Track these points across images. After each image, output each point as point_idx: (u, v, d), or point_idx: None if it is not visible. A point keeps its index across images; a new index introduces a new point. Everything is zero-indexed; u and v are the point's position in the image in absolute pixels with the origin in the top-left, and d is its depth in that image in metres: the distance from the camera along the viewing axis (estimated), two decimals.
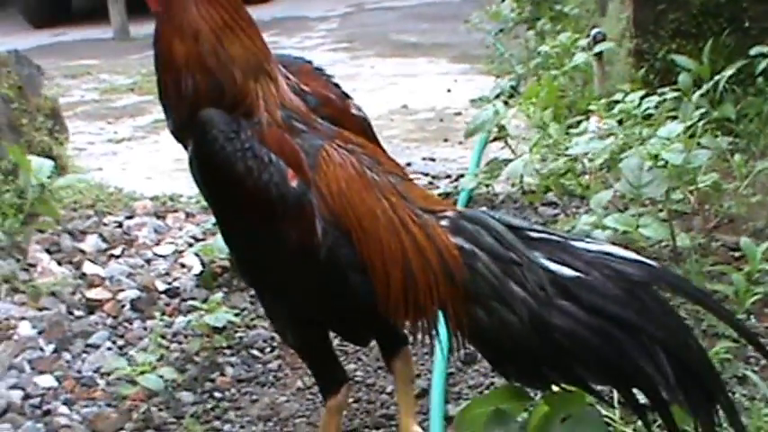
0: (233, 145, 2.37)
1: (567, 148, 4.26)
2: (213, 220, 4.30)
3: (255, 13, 7.46)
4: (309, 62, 2.78)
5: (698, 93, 4.55)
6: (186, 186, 5.10)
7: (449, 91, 6.91)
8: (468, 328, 2.36)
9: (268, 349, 3.55)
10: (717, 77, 4.67)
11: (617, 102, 4.58)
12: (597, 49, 5.36)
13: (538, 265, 2.26)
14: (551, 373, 2.30)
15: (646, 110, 4.39)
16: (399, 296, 2.41)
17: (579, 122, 4.82)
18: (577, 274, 2.24)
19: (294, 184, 2.38)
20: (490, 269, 2.31)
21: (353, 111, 2.68)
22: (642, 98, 4.41)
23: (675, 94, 4.55)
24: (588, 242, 2.35)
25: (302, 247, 2.39)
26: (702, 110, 4.36)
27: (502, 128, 4.37)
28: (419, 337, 2.51)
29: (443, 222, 2.41)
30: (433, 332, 2.50)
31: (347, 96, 2.71)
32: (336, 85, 2.72)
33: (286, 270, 2.46)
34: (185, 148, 2.54)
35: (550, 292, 2.24)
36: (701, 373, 2.21)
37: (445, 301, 2.38)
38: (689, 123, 4.02)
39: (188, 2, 2.46)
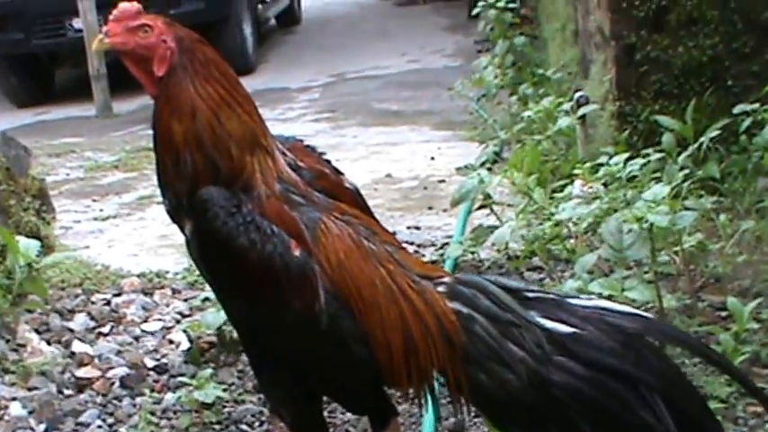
0: (235, 220, 2.41)
1: (552, 214, 4.27)
2: (201, 296, 4.32)
3: None
4: (301, 140, 2.81)
5: (683, 154, 4.58)
6: (172, 263, 5.11)
7: (432, 159, 6.94)
8: (468, 390, 2.40)
9: (257, 424, 3.53)
10: (701, 137, 4.70)
11: (601, 165, 4.58)
12: (581, 112, 5.38)
13: (535, 324, 2.34)
14: (555, 430, 2.32)
15: (630, 172, 4.40)
16: (401, 362, 2.45)
17: (564, 187, 4.83)
18: (573, 329, 2.31)
19: (297, 253, 2.42)
20: (488, 331, 2.37)
21: (347, 184, 2.74)
22: (626, 160, 4.41)
23: (659, 155, 4.56)
24: (583, 299, 2.42)
25: (305, 315, 2.42)
26: (687, 170, 4.37)
27: (487, 195, 4.38)
28: (417, 402, 2.55)
29: (440, 288, 2.48)
30: (426, 398, 2.53)
31: (339, 172, 2.75)
32: (328, 161, 2.77)
33: (289, 339, 2.48)
34: (181, 229, 2.55)
35: (548, 349, 2.30)
36: (702, 421, 2.24)
37: (444, 365, 2.42)
38: (674, 185, 4.03)
39: (185, 81, 2.50)
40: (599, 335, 2.28)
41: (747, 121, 4.49)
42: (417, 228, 5.45)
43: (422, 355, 2.43)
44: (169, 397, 3.73)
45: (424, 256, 4.87)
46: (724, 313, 3.73)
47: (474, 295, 2.42)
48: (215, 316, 3.90)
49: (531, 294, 2.41)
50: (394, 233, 5.09)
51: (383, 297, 2.45)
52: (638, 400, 2.22)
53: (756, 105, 4.37)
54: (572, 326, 2.31)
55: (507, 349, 2.33)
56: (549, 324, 2.33)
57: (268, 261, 2.40)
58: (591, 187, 4.53)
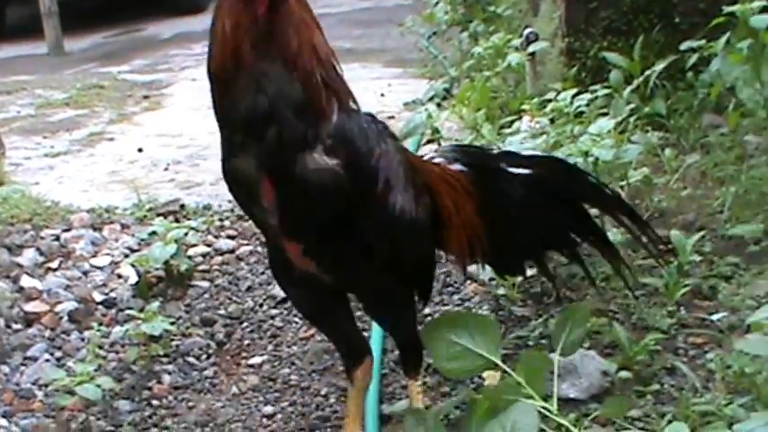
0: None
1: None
2: (148, 230, 4.31)
3: (188, 24, 7.49)
4: None
5: (629, 89, 4.61)
6: (122, 198, 5.11)
7: (382, 95, 6.94)
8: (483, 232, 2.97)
9: (204, 357, 3.56)
10: (647, 73, 4.73)
11: (549, 101, 4.62)
12: (530, 49, 5.40)
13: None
14: (527, 258, 3.18)
15: (577, 108, 4.43)
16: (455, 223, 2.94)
17: (512, 122, 4.86)
18: (529, 171, 3.02)
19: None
20: (488, 179, 2.99)
21: None
22: (574, 96, 4.45)
23: (607, 91, 4.60)
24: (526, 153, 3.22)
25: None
26: (633, 106, 4.41)
27: (435, 130, 4.40)
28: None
29: (438, 159, 3.02)
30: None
31: None
32: None
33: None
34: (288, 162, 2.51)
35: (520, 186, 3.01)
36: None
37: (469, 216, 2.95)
38: (619, 119, 4.06)
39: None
40: (540, 172, 3.03)
41: (693, 58, 4.52)
42: None
43: (461, 211, 2.92)
44: (117, 330, 3.74)
45: None
46: (668, 246, 3.77)
47: (462, 154, 3.05)
48: (162, 250, 3.91)
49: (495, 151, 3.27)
50: None
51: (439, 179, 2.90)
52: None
53: (702, 42, 4.39)
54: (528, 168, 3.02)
55: (503, 188, 3.00)
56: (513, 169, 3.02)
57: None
58: (538, 123, 4.56)
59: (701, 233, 3.74)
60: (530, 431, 2.49)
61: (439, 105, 5.41)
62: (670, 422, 2.73)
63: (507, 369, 2.63)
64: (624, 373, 3.07)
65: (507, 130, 4.77)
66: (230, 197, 4.87)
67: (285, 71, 2.42)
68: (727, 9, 3.85)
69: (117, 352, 3.62)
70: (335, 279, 2.68)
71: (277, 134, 2.41)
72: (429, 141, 4.68)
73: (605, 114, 4.38)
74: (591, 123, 4.10)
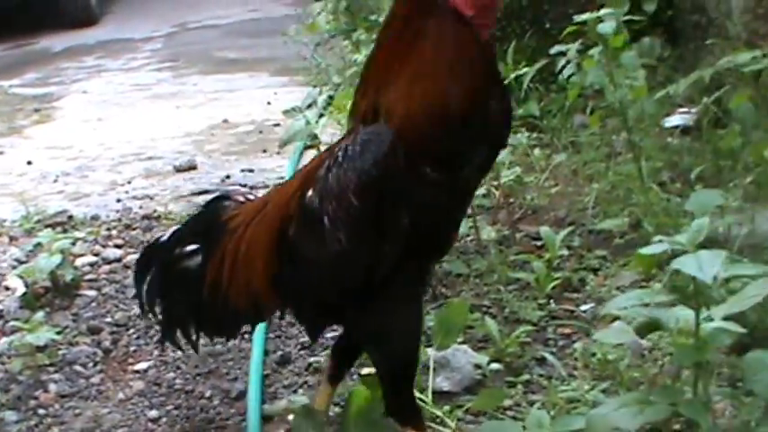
0: None
1: None
2: (33, 241, 4.34)
3: (80, 37, 7.52)
4: None
5: None
6: (10, 211, 5.12)
7: (268, 103, 7.02)
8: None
9: (90, 364, 3.60)
10: (521, 76, 4.88)
11: None
12: None
13: None
14: None
15: None
16: None
17: None
18: None
19: None
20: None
21: None
22: None
23: None
24: None
25: None
26: None
27: (314, 136, 4.48)
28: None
29: None
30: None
31: None
32: None
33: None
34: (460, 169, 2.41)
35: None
36: None
37: None
38: None
39: None
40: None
41: (563, 62, 4.68)
42: (251, 170, 5.54)
43: None
44: (3, 342, 3.76)
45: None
46: (539, 242, 3.92)
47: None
48: (47, 261, 3.95)
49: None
50: (228, 176, 5.35)
51: None
52: None
53: (571, 47, 4.54)
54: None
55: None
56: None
57: None
58: None
59: (570, 228, 3.90)
60: None
61: (322, 115, 5.48)
62: (538, 409, 2.88)
63: None
64: (496, 365, 3.18)
65: None
66: (118, 207, 5.02)
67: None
68: (577, 18, 4.01)
69: (3, 363, 3.64)
70: None
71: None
72: (309, 147, 4.77)
73: None
74: None
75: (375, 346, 2.55)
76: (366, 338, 2.57)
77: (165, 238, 2.85)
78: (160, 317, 2.88)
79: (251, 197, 2.77)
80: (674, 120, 4.70)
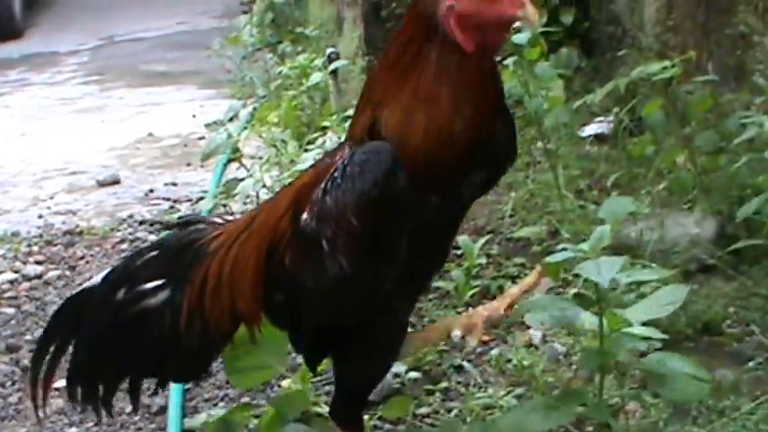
0: None
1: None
2: None
3: (3, 50, 7.43)
4: None
5: None
6: None
7: (194, 117, 7.02)
8: None
9: (9, 383, 3.56)
10: None
11: (350, 117, 4.77)
12: (332, 67, 5.57)
13: None
14: None
15: None
16: None
17: (316, 139, 5.01)
18: None
19: None
20: None
21: None
22: None
23: None
24: None
25: None
26: None
27: (235, 149, 4.51)
28: None
29: None
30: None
31: None
32: None
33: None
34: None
35: None
36: None
37: None
38: None
39: None
40: None
41: None
42: (174, 184, 5.54)
43: None
44: None
45: (179, 210, 5.00)
46: (459, 251, 3.95)
47: None
48: None
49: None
50: (151, 190, 5.34)
51: None
52: None
53: None
54: None
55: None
56: None
57: None
58: (340, 138, 4.72)
59: (489, 236, 3.96)
60: None
61: (246, 127, 5.53)
62: (456, 416, 2.93)
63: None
64: (414, 374, 3.21)
65: (312, 147, 4.91)
66: (39, 222, 5.00)
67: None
68: None
69: None
70: None
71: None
72: (232, 160, 4.80)
73: None
74: None
75: (354, 367, 2.49)
76: (349, 360, 2.48)
77: (100, 281, 2.62)
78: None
79: (229, 218, 2.70)
80: (591, 129, 4.78)
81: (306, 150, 4.98)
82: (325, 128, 5.18)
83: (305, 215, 2.26)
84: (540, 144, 4.38)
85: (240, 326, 2.49)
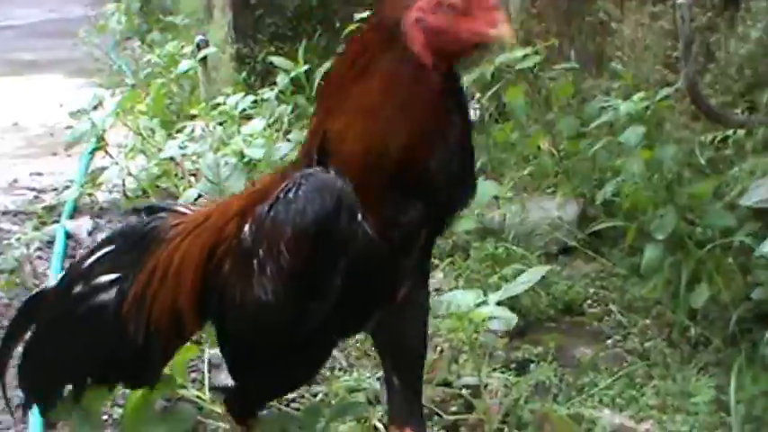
0: None
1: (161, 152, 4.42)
2: None
3: None
4: None
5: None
6: None
7: (61, 106, 6.88)
8: None
9: None
10: (311, 75, 4.95)
11: (219, 104, 4.77)
12: (200, 55, 5.53)
13: None
14: None
15: (243, 110, 4.60)
16: None
17: (184, 127, 4.98)
18: None
19: None
20: None
21: None
22: (241, 99, 4.63)
23: (273, 93, 4.79)
24: None
25: None
26: (289, 106, 4.61)
27: (99, 138, 4.46)
28: None
29: None
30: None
31: None
32: None
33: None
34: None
35: None
36: None
37: None
38: (272, 120, 4.25)
39: None
40: None
41: None
42: (40, 174, 5.46)
43: None
44: None
45: (44, 201, 4.92)
46: None
47: None
48: None
49: None
50: (15, 180, 5.23)
51: None
52: None
53: None
54: None
55: None
56: None
57: None
58: (209, 126, 4.70)
59: None
60: (187, 419, 2.66)
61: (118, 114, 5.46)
62: (321, 400, 2.94)
63: None
64: None
65: (180, 135, 4.88)
66: None
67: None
68: (358, 16, 4.09)
69: None
70: None
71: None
72: (97, 149, 4.75)
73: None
74: None
75: (265, 380, 2.36)
76: (262, 373, 2.34)
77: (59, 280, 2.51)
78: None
79: (194, 207, 2.54)
80: None
81: (175, 138, 4.94)
82: (194, 116, 5.15)
83: (246, 227, 2.15)
84: None
85: (180, 328, 2.33)
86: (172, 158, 4.48)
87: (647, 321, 3.28)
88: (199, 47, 5.57)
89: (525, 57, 3.91)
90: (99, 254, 2.42)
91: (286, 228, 2.04)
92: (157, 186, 4.51)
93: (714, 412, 2.80)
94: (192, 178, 4.55)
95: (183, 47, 5.94)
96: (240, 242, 2.16)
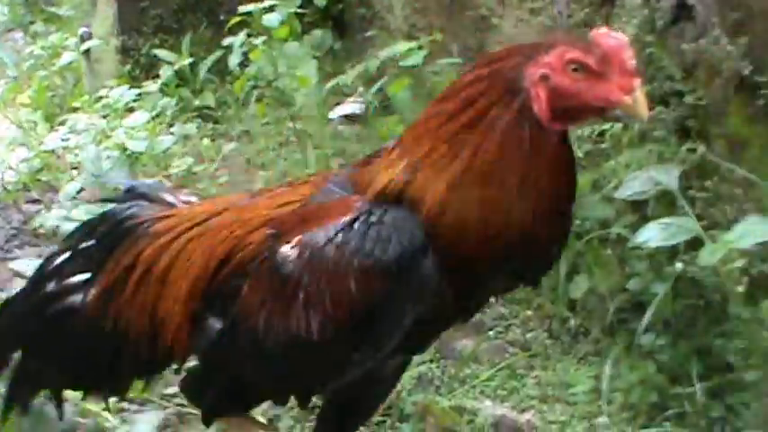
0: None
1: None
2: None
3: None
4: None
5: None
6: None
7: None
8: None
9: None
10: (196, 67, 4.93)
11: (102, 97, 4.73)
12: (84, 47, 5.47)
13: None
14: None
15: (127, 103, 4.56)
16: None
17: (67, 120, 4.92)
18: None
19: None
20: None
21: None
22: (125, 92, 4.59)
23: (156, 86, 4.76)
24: None
25: None
26: (173, 99, 4.58)
27: None
28: None
29: None
30: None
31: None
32: None
33: None
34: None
35: None
36: None
37: None
38: (156, 113, 4.22)
39: None
40: None
41: (237, 54, 4.72)
42: None
43: None
44: None
45: None
46: None
47: None
48: None
49: None
50: None
51: None
52: None
53: (243, 38, 4.60)
54: None
55: None
56: None
57: None
58: (91, 119, 4.66)
59: None
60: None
61: None
62: None
63: None
64: None
65: (63, 128, 4.82)
66: None
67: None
68: (242, 9, 4.07)
69: None
70: None
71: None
72: None
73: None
74: None
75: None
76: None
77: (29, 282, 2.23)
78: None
79: (188, 200, 2.24)
80: (344, 108, 4.84)
81: (56, 131, 4.88)
82: (77, 109, 5.09)
83: (288, 249, 1.86)
84: (290, 124, 4.42)
85: (156, 339, 2.04)
86: (53, 151, 4.42)
87: (529, 313, 3.33)
88: (83, 39, 5.50)
89: (409, 51, 3.93)
90: (72, 250, 2.17)
91: (360, 259, 1.79)
92: (38, 180, 4.44)
93: (593, 401, 2.87)
94: (74, 171, 4.50)
95: (66, 38, 5.85)
96: (277, 264, 1.87)
